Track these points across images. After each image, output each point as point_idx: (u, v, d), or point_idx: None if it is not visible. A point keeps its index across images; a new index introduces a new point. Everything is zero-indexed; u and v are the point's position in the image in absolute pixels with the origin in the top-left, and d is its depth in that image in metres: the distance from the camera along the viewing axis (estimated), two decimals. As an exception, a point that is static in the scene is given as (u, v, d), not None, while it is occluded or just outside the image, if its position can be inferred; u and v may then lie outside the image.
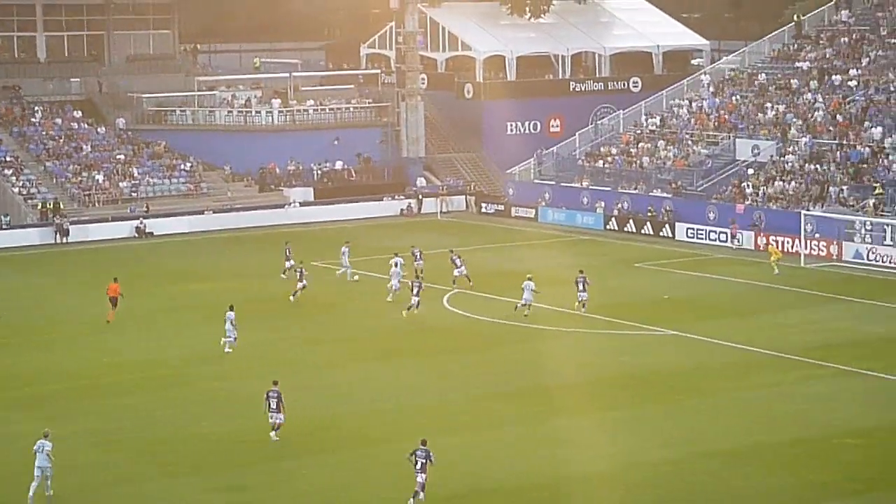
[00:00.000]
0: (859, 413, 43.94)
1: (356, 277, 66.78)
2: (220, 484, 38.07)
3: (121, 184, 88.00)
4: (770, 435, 41.58)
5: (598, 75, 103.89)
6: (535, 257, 74.03)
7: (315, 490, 37.51)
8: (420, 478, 35.71)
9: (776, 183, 78.36)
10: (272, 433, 41.52)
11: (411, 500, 35.78)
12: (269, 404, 41.55)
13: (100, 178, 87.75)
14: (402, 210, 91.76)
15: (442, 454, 39.17)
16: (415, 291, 58.57)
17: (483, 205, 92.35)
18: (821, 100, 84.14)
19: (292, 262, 66.27)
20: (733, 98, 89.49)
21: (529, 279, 58.84)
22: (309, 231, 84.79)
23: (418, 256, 66.27)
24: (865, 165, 76.30)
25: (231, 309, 53.37)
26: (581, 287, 59.02)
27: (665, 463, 39.04)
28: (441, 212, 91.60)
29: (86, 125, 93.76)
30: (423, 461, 35.77)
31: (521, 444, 41.00)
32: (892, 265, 68.69)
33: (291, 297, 62.18)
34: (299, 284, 62.36)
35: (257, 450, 40.85)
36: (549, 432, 41.97)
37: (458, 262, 64.84)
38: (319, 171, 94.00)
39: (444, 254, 67.85)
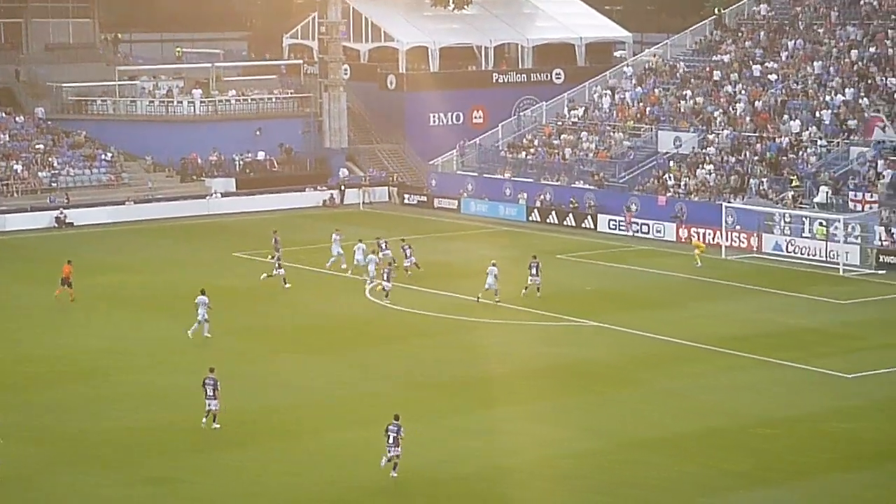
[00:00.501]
0: (776, 403, 44.45)
1: (344, 266, 66.53)
2: (144, 476, 37.81)
3: (40, 174, 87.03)
4: (689, 425, 41.96)
5: (520, 67, 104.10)
6: (457, 249, 74.24)
7: (241, 481, 37.36)
8: (393, 451, 36.82)
9: (697, 171, 79.02)
10: (203, 420, 41.46)
11: (393, 472, 36.72)
12: (206, 391, 41.47)
13: (18, 167, 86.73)
14: (324, 201, 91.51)
15: (367, 447, 39.31)
16: (385, 276, 60.05)
17: (406, 196, 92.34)
18: (741, 92, 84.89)
19: (280, 251, 66.45)
20: (655, 90, 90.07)
21: (494, 265, 59.30)
22: (231, 222, 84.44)
23: (384, 247, 66.22)
24: (785, 158, 77.06)
25: (203, 293, 53.39)
26: (534, 272, 59.81)
27: (587, 454, 39.27)
28: (363, 203, 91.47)
29: (3, 114, 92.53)
30: (395, 435, 36.83)
31: (444, 435, 41.05)
32: (811, 257, 69.46)
33: (269, 279, 62.75)
34: (280, 271, 62.85)
35: (180, 441, 40.67)
36: (472, 424, 42.03)
37: (408, 251, 65.48)
38: (241, 162, 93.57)
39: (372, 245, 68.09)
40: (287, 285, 62.50)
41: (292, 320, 57.38)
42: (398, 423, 37.12)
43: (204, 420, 41.47)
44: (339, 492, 36.46)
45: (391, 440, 36.88)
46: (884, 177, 71.63)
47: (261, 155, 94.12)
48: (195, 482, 37.36)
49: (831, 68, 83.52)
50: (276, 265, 63.18)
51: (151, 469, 38.40)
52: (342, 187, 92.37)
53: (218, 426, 41.43)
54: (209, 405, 41.40)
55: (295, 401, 45.21)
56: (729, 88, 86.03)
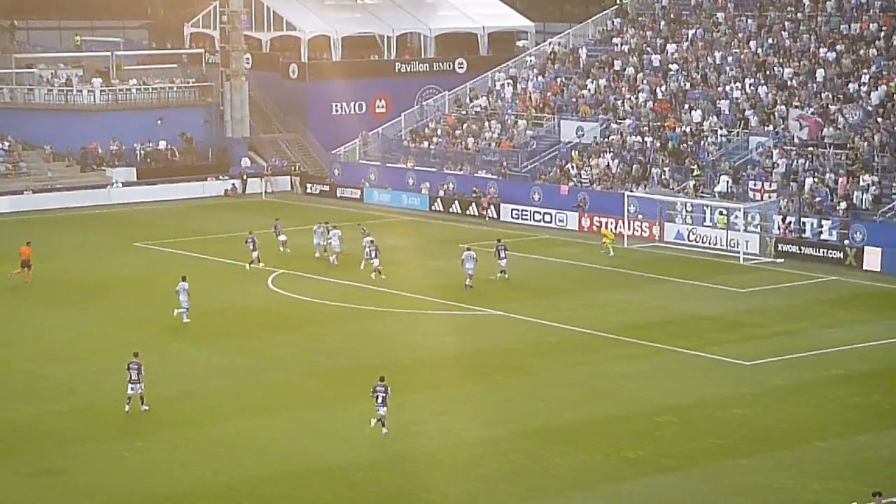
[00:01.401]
0: (675, 390, 44.74)
1: (331, 259, 66.15)
2: (35, 468, 37.31)
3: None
4: (589, 413, 42.15)
5: (423, 56, 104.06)
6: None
7: (135, 472, 36.96)
8: (381, 411, 39.28)
9: (599, 160, 79.41)
10: (127, 406, 41.57)
11: (383, 429, 39.27)
12: (130, 375, 41.62)
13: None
14: (226, 190, 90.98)
15: (260, 435, 39.14)
16: (374, 255, 61.71)
17: (308, 185, 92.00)
18: (643, 81, 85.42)
19: (284, 237, 67.54)
20: (558, 80, 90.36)
21: (469, 249, 59.83)
22: (132, 212, 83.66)
23: (367, 232, 66.21)
24: (686, 147, 77.65)
25: (184, 279, 53.51)
26: (501, 255, 60.67)
27: (485, 442, 39.32)
28: (266, 192, 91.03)
29: None
30: (383, 395, 39.36)
31: (341, 424, 40.94)
32: (712, 246, 70.08)
33: (248, 266, 63.73)
34: (254, 254, 63.72)
35: (71, 433, 40.23)
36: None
37: (366, 230, 66.16)
38: (142, 152, 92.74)
39: (271, 235, 68.01)
40: (260, 264, 63.62)
41: (192, 310, 56.82)
42: (384, 384, 39.51)
43: (127, 406, 41.54)
44: (232, 481, 36.15)
45: (379, 400, 39.22)
46: (778, 165, 72.45)
47: (162, 144, 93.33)
48: (86, 473, 36.89)
49: (730, 58, 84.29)
50: (252, 247, 63.70)
51: (37, 461, 37.86)
52: (244, 177, 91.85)
53: (147, 407, 41.77)
54: (132, 389, 41.62)
55: (190, 389, 44.82)
56: (630, 72, 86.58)
